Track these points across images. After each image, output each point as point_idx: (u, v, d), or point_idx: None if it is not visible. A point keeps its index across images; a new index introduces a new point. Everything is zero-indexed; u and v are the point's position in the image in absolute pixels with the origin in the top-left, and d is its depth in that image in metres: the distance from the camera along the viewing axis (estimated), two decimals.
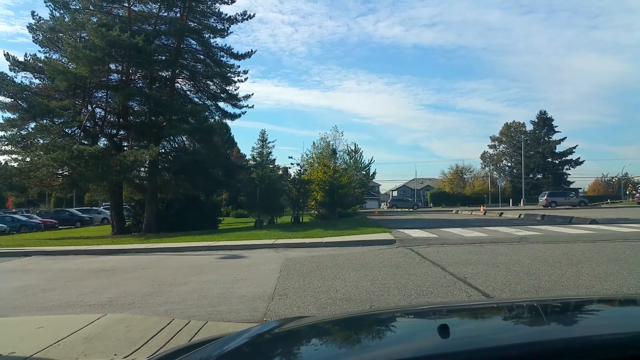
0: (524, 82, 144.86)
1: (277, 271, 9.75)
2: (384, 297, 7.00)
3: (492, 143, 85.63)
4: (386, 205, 72.15)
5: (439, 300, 6.62)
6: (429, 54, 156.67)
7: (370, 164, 60.48)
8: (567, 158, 77.42)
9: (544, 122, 78.23)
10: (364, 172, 57.23)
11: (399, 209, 60.06)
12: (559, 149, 77.34)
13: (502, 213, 33.14)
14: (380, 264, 10.26)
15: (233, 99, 29.38)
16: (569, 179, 78.18)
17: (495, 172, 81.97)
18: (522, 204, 60.25)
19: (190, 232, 21.54)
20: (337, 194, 30.42)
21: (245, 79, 29.32)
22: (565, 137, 78.06)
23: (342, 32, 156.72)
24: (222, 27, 27.58)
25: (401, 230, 18.89)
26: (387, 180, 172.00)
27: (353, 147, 54.53)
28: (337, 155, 35.92)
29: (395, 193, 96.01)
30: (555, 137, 77.81)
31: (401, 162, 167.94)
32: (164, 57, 26.54)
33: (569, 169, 77.97)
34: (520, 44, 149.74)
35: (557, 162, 77.52)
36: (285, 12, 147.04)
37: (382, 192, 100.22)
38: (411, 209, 59.05)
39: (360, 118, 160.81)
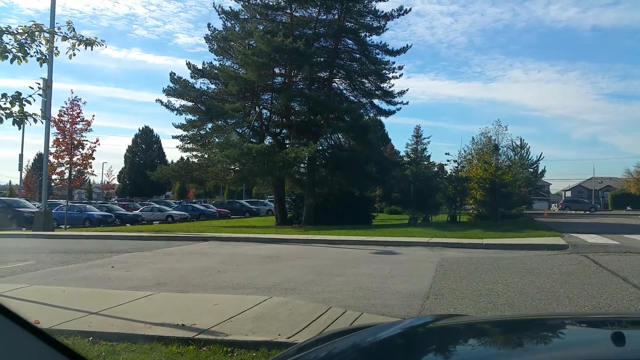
0: None
1: (433, 270, 9.54)
2: (553, 307, 6.52)
3: None
4: (557, 206, 66.10)
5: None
6: (611, 36, 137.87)
7: (538, 160, 55.35)
8: None
9: None
10: (531, 170, 52.68)
11: (573, 211, 54.74)
12: None
13: None
14: (548, 270, 9.52)
15: (388, 96, 29.47)
16: None
17: None
18: None
19: (344, 226, 22.17)
20: (499, 193, 28.58)
21: (400, 75, 29.23)
22: None
23: (507, 19, 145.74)
24: (378, 24, 27.82)
25: (575, 234, 17.13)
26: (559, 179, 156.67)
27: (518, 143, 50.55)
28: (500, 152, 33.55)
29: (568, 193, 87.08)
30: None
31: (576, 159, 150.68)
32: (322, 59, 27.69)
33: None
34: None
35: None
36: (444, 3, 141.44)
37: (552, 192, 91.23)
38: (587, 212, 53.29)
39: (527, 110, 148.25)
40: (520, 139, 51.58)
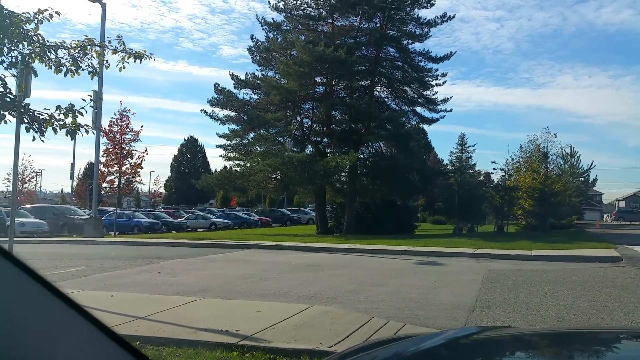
0: None
1: (479, 282, 9.33)
2: (606, 321, 6.30)
3: None
4: (610, 217, 63.40)
5: None
6: None
7: (589, 169, 53.34)
8: None
9: None
10: (582, 179, 50.86)
11: (627, 222, 52.34)
12: None
13: None
14: (601, 283, 9.17)
15: (431, 104, 29.12)
16: None
17: None
18: None
19: (386, 236, 21.97)
20: (548, 203, 27.59)
21: (444, 82, 28.84)
22: None
23: (556, 23, 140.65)
24: (421, 31, 27.58)
25: (629, 246, 16.37)
26: (612, 189, 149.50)
27: (568, 151, 48.89)
28: (549, 160, 32.61)
29: (622, 203, 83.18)
30: None
31: (631, 168, 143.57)
32: (363, 67, 27.67)
33: None
34: None
35: None
36: (490, 8, 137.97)
37: (604, 202, 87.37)
38: None
39: (578, 117, 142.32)
40: (571, 146, 49.90)
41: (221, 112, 29.03)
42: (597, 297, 7.78)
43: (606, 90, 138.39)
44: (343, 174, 27.71)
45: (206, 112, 28.83)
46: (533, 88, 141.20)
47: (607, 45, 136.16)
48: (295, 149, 27.31)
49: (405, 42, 27.92)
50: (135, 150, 24.09)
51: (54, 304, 1.00)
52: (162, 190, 76.54)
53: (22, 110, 5.21)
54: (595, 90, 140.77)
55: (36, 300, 0.99)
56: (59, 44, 5.37)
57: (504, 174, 30.18)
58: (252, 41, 29.92)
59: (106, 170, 24.08)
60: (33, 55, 5.21)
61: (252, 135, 29.12)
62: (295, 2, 27.33)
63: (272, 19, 28.38)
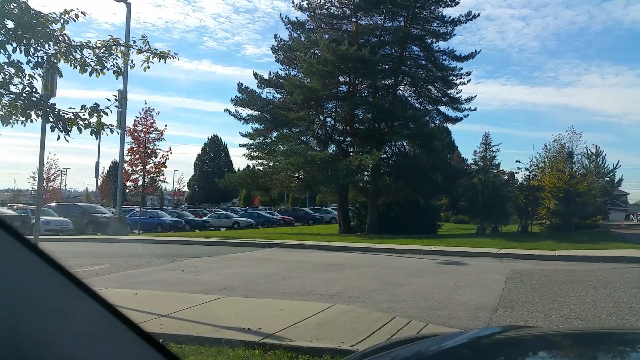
0: None
1: (502, 282, 9.25)
2: (631, 322, 6.28)
3: None
4: (636, 217, 61.91)
5: None
6: None
7: (615, 169, 52.13)
8: None
9: None
10: (607, 179, 49.76)
11: None
12: None
13: None
14: (626, 284, 9.05)
15: (454, 103, 28.81)
16: None
17: None
18: None
19: (409, 235, 21.82)
20: (573, 203, 27.13)
21: (468, 81, 28.51)
22: None
23: (583, 21, 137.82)
24: (445, 30, 27.32)
25: None
26: (638, 189, 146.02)
27: (594, 150, 47.90)
28: (574, 159, 32.05)
29: None
30: None
31: None
32: (387, 66, 27.55)
33: None
34: None
35: None
36: (515, 6, 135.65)
37: (630, 202, 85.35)
38: None
39: (603, 116, 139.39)
40: (596, 146, 48.87)
41: (244, 112, 29.28)
42: (622, 297, 7.71)
43: (634, 89, 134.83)
44: (366, 173, 27.62)
45: (229, 112, 29.11)
46: (559, 87, 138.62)
47: (635, 43, 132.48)
48: (318, 148, 27.31)
49: (429, 40, 27.67)
50: (159, 149, 24.33)
51: (82, 300, 1.01)
52: (185, 189, 77.48)
53: (48, 109, 5.30)
54: (623, 89, 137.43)
55: (63, 295, 1.00)
56: (84, 43, 5.45)
57: (528, 173, 29.83)
58: (276, 40, 30.08)
59: (130, 169, 24.41)
60: (59, 55, 5.30)
61: (275, 134, 29.26)
62: (319, 1, 27.36)
63: (296, 18, 28.51)
